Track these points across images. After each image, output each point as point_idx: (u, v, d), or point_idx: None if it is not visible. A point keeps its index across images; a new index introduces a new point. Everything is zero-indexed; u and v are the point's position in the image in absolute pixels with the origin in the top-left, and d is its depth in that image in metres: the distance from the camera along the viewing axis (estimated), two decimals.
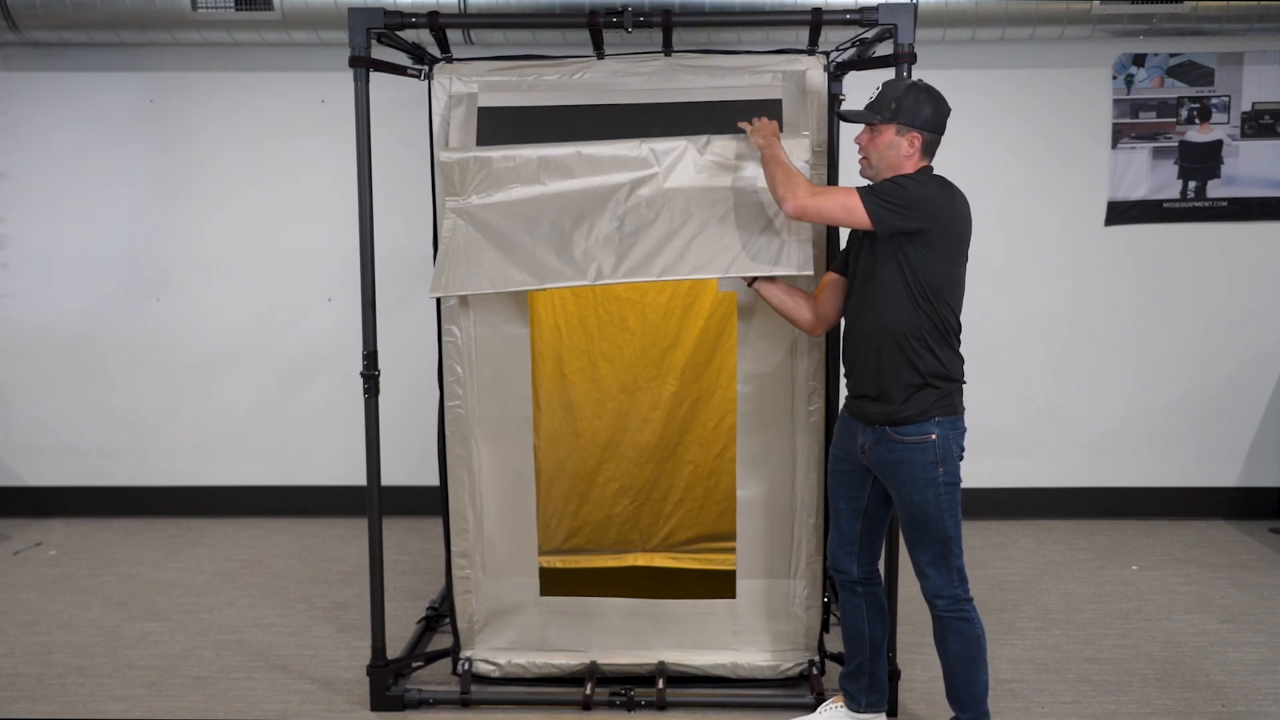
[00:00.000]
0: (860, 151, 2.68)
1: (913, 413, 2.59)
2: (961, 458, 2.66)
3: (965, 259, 2.64)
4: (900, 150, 2.60)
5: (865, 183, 2.67)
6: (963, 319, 2.66)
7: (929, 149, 2.63)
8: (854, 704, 2.94)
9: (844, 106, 2.87)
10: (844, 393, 2.87)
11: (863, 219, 2.52)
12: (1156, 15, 4.26)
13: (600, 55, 3.07)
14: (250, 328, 4.94)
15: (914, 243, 2.54)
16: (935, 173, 2.65)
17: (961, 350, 2.67)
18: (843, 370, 2.80)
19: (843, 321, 2.81)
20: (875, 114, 2.62)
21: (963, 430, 2.66)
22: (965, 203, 2.62)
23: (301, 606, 3.92)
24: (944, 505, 2.61)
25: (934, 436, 2.59)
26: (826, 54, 3.09)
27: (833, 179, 3.16)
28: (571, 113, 3.02)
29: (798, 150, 2.87)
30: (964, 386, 2.67)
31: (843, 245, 2.90)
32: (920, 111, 2.58)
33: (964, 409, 2.67)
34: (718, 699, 3.15)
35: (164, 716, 3.11)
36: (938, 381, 2.60)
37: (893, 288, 2.57)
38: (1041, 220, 4.79)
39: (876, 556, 2.87)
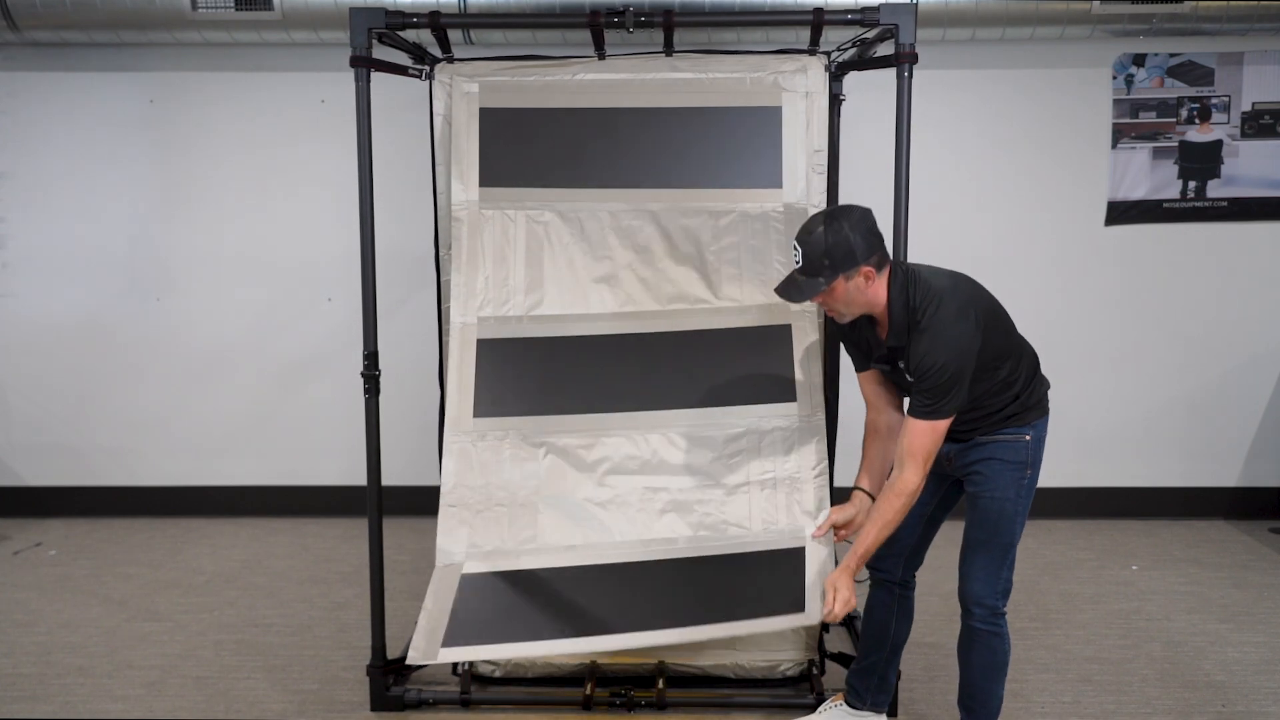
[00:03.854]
0: (824, 309, 2.57)
1: (1012, 421, 2.59)
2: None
3: (999, 309, 2.60)
4: (861, 289, 2.46)
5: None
6: (1039, 331, 2.67)
7: (880, 265, 2.48)
8: (858, 701, 2.93)
9: (789, 280, 2.56)
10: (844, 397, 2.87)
11: (948, 423, 2.46)
12: (1156, 15, 4.27)
13: (601, 55, 3.07)
14: (250, 328, 4.94)
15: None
16: (898, 270, 2.51)
17: (1043, 361, 2.71)
18: None
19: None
20: (817, 278, 2.45)
21: (1046, 431, 2.66)
22: (969, 289, 2.55)
23: (301, 606, 3.92)
24: (1020, 508, 2.59)
25: (1028, 437, 2.60)
26: (827, 54, 3.09)
27: (833, 178, 3.16)
28: (572, 115, 3.03)
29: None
30: (1046, 382, 2.69)
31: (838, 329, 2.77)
32: (852, 247, 2.42)
33: (1049, 408, 2.66)
34: (718, 699, 3.15)
35: (164, 716, 3.11)
36: (1033, 394, 2.63)
37: (978, 369, 2.51)
38: (1041, 220, 4.79)
39: (921, 563, 2.84)
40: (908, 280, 2.51)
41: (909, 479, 2.48)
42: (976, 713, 2.73)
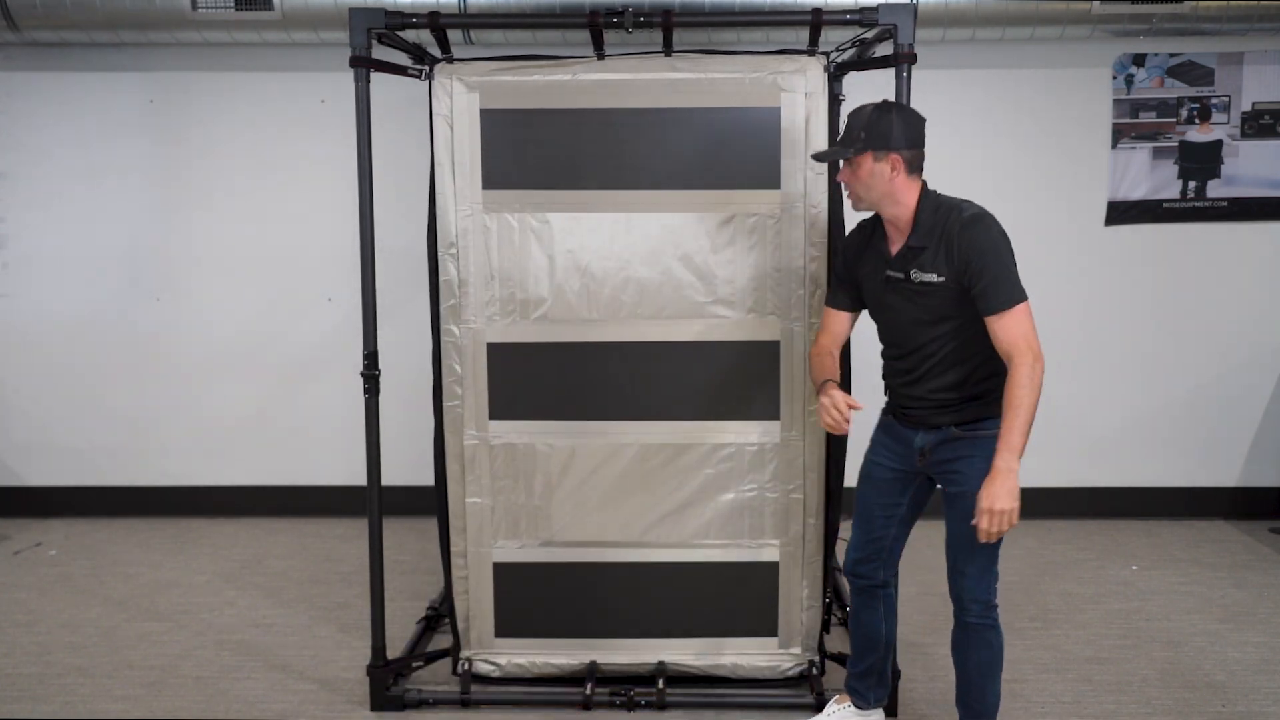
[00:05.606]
0: (845, 189, 2.61)
1: (988, 411, 2.56)
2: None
3: None
4: (885, 176, 2.51)
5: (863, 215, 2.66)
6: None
7: (913, 166, 2.54)
8: (863, 701, 2.94)
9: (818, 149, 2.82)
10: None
11: (1029, 307, 2.44)
12: (1156, 15, 4.26)
13: (600, 55, 3.07)
14: (250, 328, 4.94)
15: None
16: (932, 189, 2.58)
17: None
18: (886, 377, 2.74)
19: (883, 335, 2.72)
20: (847, 147, 2.53)
21: None
22: None
23: (301, 606, 3.92)
24: None
25: None
26: (826, 54, 3.09)
27: (832, 178, 3.15)
28: (572, 116, 3.04)
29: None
30: None
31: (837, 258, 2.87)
32: (891, 131, 2.49)
33: None
34: (718, 699, 3.15)
35: (164, 716, 3.11)
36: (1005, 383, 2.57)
37: (978, 317, 2.49)
38: (1041, 220, 4.79)
39: (898, 560, 2.85)
40: (940, 197, 2.56)
41: (1025, 365, 2.38)
42: (975, 709, 2.73)
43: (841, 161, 2.58)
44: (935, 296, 2.51)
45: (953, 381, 2.56)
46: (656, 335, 3.10)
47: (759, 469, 3.15)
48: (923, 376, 2.58)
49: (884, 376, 2.75)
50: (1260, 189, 4.74)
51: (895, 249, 2.58)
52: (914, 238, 2.53)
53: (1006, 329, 2.42)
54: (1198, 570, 4.26)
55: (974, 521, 2.43)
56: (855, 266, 2.71)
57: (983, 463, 2.49)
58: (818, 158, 2.72)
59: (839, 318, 2.78)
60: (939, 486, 2.70)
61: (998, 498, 2.39)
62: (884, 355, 2.73)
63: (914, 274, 2.53)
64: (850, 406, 2.56)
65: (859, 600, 2.87)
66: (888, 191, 2.53)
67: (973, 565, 2.61)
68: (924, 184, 2.58)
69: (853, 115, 2.57)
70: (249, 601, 3.97)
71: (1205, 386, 4.89)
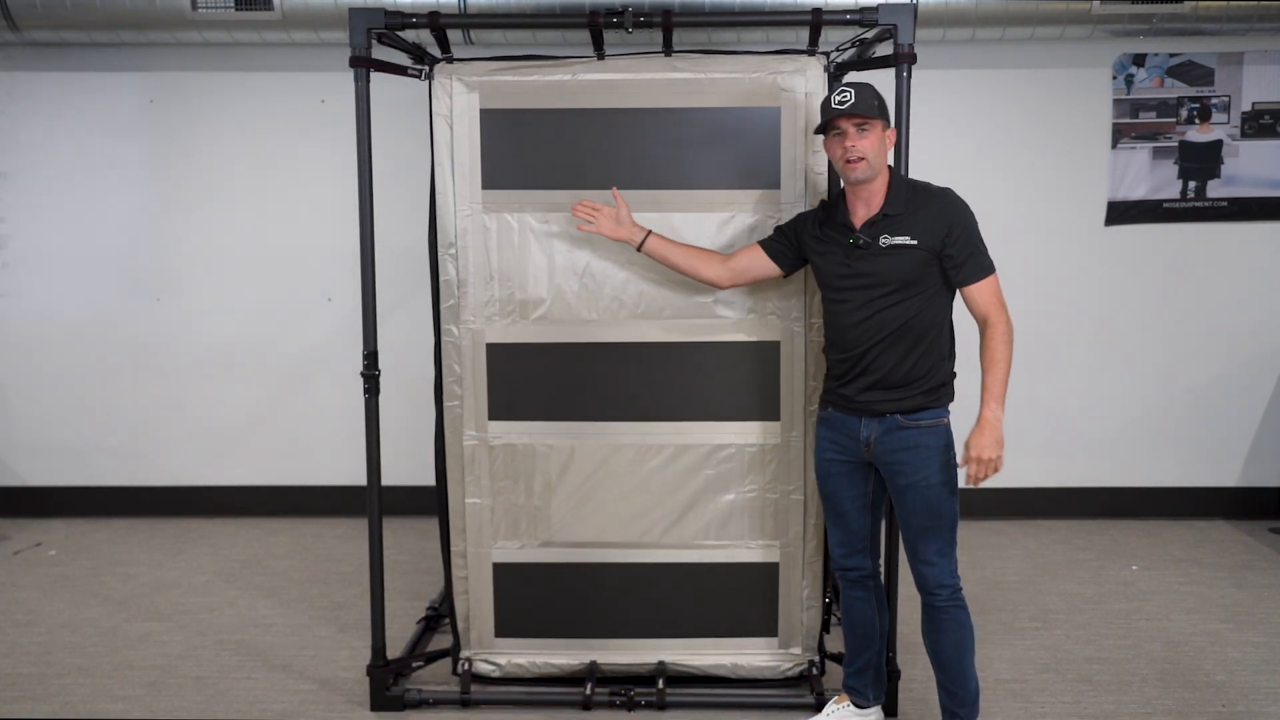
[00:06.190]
0: (853, 154, 2.57)
1: (930, 400, 2.64)
2: None
3: None
4: (886, 147, 2.63)
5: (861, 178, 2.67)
6: (961, 320, 2.71)
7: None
8: (863, 699, 2.95)
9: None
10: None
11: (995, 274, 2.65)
12: (1156, 15, 4.27)
13: (600, 55, 3.07)
14: (250, 328, 4.94)
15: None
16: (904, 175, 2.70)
17: (958, 350, 2.76)
18: (834, 367, 2.75)
19: (836, 319, 2.72)
20: (870, 112, 2.57)
21: None
22: None
23: (301, 606, 3.93)
24: (954, 488, 2.66)
25: (945, 420, 2.66)
26: (826, 54, 3.09)
27: (832, 179, 3.16)
28: (572, 116, 3.05)
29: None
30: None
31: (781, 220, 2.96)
32: (886, 109, 2.63)
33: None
34: (718, 699, 3.15)
35: (164, 716, 3.11)
36: (950, 370, 2.70)
37: (936, 290, 2.63)
38: (1041, 220, 4.79)
39: (880, 545, 2.89)
40: (902, 174, 2.71)
41: (1003, 324, 2.58)
42: (959, 696, 2.74)
43: (857, 125, 2.58)
44: (904, 259, 2.59)
45: (901, 361, 2.62)
46: (656, 336, 3.10)
47: (759, 470, 3.15)
48: (870, 351, 2.64)
49: (830, 362, 2.78)
50: (1260, 189, 4.74)
51: (860, 221, 2.65)
52: (889, 206, 2.63)
53: (984, 294, 2.61)
54: (1198, 570, 4.26)
55: (960, 464, 2.60)
56: (802, 232, 2.80)
57: (927, 452, 2.62)
58: (854, 108, 2.55)
59: (756, 253, 2.87)
60: (887, 480, 2.74)
61: (985, 447, 2.55)
62: (831, 337, 2.76)
63: (884, 239, 2.61)
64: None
65: (852, 594, 2.89)
66: (881, 163, 2.63)
67: (935, 553, 2.67)
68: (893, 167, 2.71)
69: (859, 87, 2.58)
70: (249, 601, 3.98)
71: (1205, 386, 4.89)
